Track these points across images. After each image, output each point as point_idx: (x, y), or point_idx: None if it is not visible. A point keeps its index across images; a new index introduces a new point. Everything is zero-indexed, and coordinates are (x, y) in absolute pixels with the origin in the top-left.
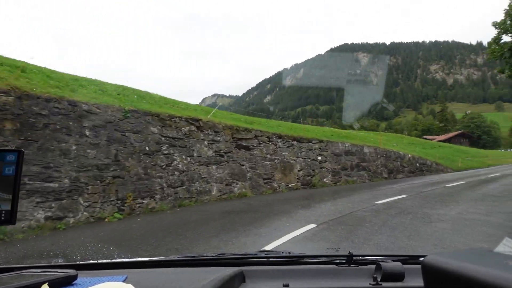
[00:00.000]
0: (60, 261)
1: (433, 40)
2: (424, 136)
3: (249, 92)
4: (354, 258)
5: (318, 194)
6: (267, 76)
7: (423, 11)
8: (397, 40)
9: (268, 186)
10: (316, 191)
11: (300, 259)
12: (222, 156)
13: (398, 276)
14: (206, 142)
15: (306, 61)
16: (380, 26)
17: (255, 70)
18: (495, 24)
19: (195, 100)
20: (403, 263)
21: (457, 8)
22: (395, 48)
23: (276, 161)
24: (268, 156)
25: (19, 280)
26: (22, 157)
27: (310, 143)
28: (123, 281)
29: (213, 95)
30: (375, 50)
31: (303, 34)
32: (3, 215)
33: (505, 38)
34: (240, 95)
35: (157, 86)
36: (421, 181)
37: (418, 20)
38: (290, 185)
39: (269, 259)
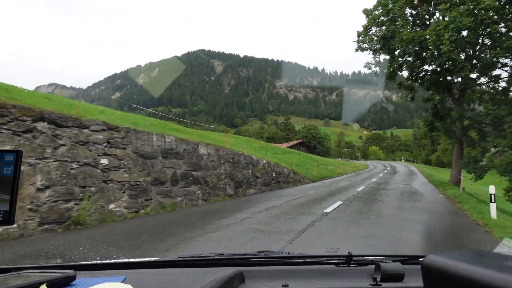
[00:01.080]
0: (59, 262)
1: (280, 59)
2: (269, 143)
3: (95, 85)
4: (354, 258)
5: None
6: (118, 71)
7: (273, 33)
8: (249, 54)
9: None
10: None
11: (299, 260)
12: None
13: (397, 277)
14: None
15: (162, 60)
16: (236, 39)
17: (105, 63)
18: (366, 12)
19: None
20: (402, 264)
21: (301, 34)
22: (247, 61)
23: None
24: None
25: (17, 281)
26: (20, 158)
27: (86, 130)
28: (122, 282)
29: (50, 84)
30: (230, 60)
31: (162, 32)
32: (1, 215)
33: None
34: (84, 87)
35: None
36: (282, 200)
37: (268, 39)
38: None
39: (268, 259)
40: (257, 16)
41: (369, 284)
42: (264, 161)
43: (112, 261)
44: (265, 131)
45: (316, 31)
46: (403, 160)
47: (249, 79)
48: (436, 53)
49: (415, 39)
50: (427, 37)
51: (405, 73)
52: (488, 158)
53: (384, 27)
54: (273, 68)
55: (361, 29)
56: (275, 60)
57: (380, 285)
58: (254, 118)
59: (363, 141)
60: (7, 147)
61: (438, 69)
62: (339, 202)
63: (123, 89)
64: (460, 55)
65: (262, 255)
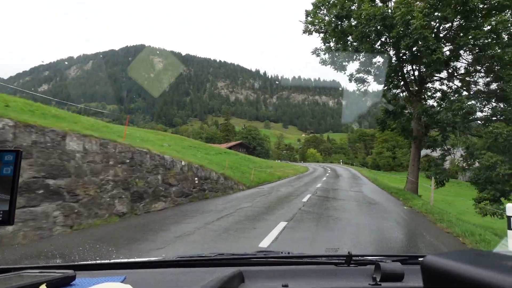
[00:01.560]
0: (59, 262)
1: (222, 60)
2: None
3: (19, 76)
4: (354, 258)
5: None
6: (47, 62)
7: (215, 33)
8: (192, 53)
9: None
10: None
11: (299, 259)
12: None
13: (397, 276)
14: None
15: (98, 53)
16: (178, 36)
17: (31, 52)
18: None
19: None
20: (402, 263)
21: (244, 36)
22: (189, 60)
23: None
24: None
25: (17, 281)
26: (20, 157)
27: None
28: (122, 282)
29: None
30: (171, 57)
31: (99, 24)
32: (0, 215)
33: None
34: (6, 78)
35: None
36: (200, 222)
37: (210, 38)
38: None
39: (268, 259)
40: (199, 15)
41: (369, 284)
42: (183, 163)
43: (112, 261)
44: (205, 131)
45: (258, 34)
46: (341, 163)
47: (190, 78)
48: (402, 31)
49: (377, 15)
50: (393, 11)
51: (356, 65)
52: (454, 161)
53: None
54: (215, 68)
55: (308, 14)
56: (218, 60)
57: (380, 285)
58: (195, 118)
59: (301, 143)
60: None
61: (398, 57)
62: (282, 224)
63: (51, 81)
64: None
65: (261, 255)
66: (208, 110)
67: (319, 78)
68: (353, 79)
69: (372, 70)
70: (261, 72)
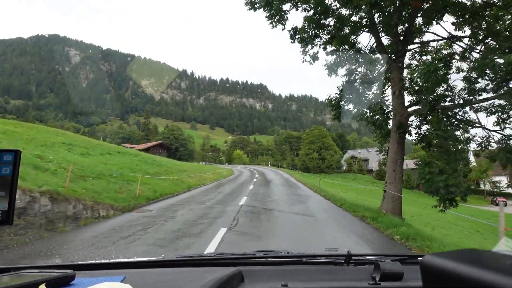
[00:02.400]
0: (58, 261)
1: (147, 58)
2: (123, 144)
3: None
4: (353, 257)
5: None
6: None
7: (139, 28)
8: (114, 48)
9: None
10: None
11: (298, 259)
12: None
13: (396, 276)
14: None
15: (2, 40)
16: (97, 28)
17: None
18: None
19: None
20: (401, 263)
21: (172, 36)
22: (111, 55)
23: None
24: None
25: (16, 281)
26: (19, 157)
27: None
28: (121, 281)
29: None
30: (89, 51)
31: (7, 7)
32: (0, 215)
33: None
34: None
35: None
36: None
37: (134, 33)
38: None
39: (267, 259)
40: (122, 4)
41: (368, 284)
42: None
43: (111, 260)
44: (124, 131)
45: (185, 33)
46: (270, 165)
47: (111, 74)
48: None
49: None
50: None
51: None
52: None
53: None
54: (140, 65)
55: None
56: (143, 57)
57: (379, 284)
58: (115, 118)
59: (228, 145)
60: None
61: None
62: None
63: None
64: None
65: (261, 254)
66: (130, 109)
67: (246, 81)
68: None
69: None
70: (189, 72)
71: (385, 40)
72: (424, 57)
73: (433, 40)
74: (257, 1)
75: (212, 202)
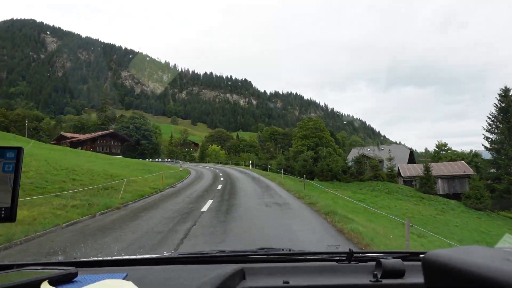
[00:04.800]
0: (60, 259)
1: (128, 48)
2: (64, 133)
3: None
4: (355, 255)
5: None
6: None
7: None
8: (93, 36)
9: None
10: None
11: (300, 256)
12: None
13: (398, 273)
14: None
15: None
16: (76, 16)
17: None
18: None
19: None
20: (403, 260)
21: (155, 27)
22: (90, 43)
23: None
24: None
25: (19, 278)
26: (21, 154)
27: None
28: (123, 279)
29: None
30: (67, 38)
31: None
32: (2, 212)
33: None
34: None
35: None
36: None
37: (115, 21)
38: None
39: (269, 256)
40: None
41: (370, 281)
42: None
43: (114, 258)
44: (77, 120)
45: (167, 23)
46: (252, 166)
47: (89, 64)
48: None
49: None
50: None
51: None
52: None
53: None
54: (120, 56)
55: None
56: (123, 47)
57: (381, 281)
58: (91, 109)
59: (204, 140)
60: None
61: None
62: None
63: None
64: None
65: (263, 252)
66: (107, 102)
67: (231, 76)
68: None
69: None
70: (171, 64)
71: None
72: None
73: None
74: None
75: None
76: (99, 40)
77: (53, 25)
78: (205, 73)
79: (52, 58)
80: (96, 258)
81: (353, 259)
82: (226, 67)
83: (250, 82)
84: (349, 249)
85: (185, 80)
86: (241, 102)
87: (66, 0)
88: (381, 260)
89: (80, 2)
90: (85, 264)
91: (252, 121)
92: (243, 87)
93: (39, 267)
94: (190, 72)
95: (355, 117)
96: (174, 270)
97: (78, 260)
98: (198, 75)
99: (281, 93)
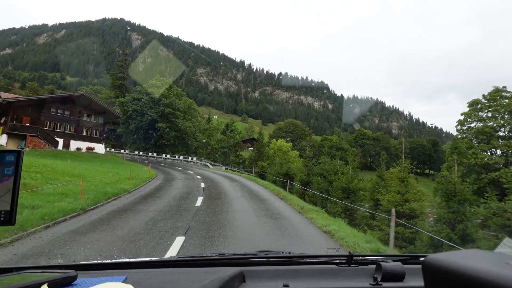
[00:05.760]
0: (60, 262)
1: (206, 46)
2: None
3: None
4: (354, 258)
5: None
6: (18, 26)
7: (202, 16)
8: (174, 35)
9: None
10: None
11: (300, 259)
12: None
13: (398, 276)
14: None
15: (73, 23)
16: (160, 17)
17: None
18: None
19: None
20: (403, 263)
21: (232, 27)
22: (171, 41)
23: None
24: None
25: (18, 281)
26: (21, 158)
27: None
28: (123, 282)
29: None
30: (151, 36)
31: None
32: (2, 215)
33: None
34: None
35: None
36: None
37: (194, 21)
38: None
39: (269, 259)
40: None
41: (370, 284)
42: None
43: (113, 261)
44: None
45: (243, 24)
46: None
47: (168, 60)
48: None
49: None
50: None
51: None
52: None
53: None
54: (197, 53)
55: None
56: (201, 45)
57: (381, 284)
58: None
59: (271, 135)
60: None
61: None
62: None
63: (17, 46)
64: None
65: (262, 255)
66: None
67: (306, 78)
68: None
69: None
70: (246, 63)
71: None
72: None
73: None
74: None
75: None
76: (179, 38)
77: (139, 24)
78: (280, 73)
79: (135, 54)
80: (96, 261)
81: (353, 262)
82: (302, 68)
83: (326, 84)
84: (349, 252)
85: (259, 79)
86: (316, 105)
87: (153, 1)
88: (381, 263)
89: (164, 2)
90: (85, 267)
91: (326, 126)
92: (319, 89)
93: (38, 270)
94: (265, 72)
95: (443, 129)
96: (173, 273)
97: (77, 263)
98: (272, 75)
99: (359, 98)
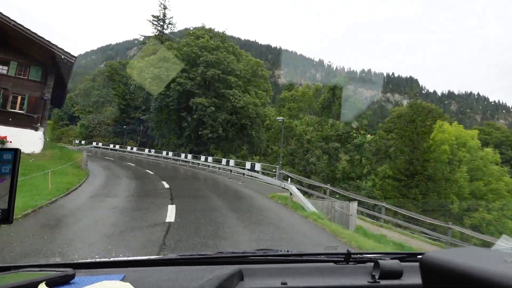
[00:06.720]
0: (58, 260)
1: (283, 48)
2: None
3: (87, 54)
4: (352, 256)
5: None
6: (114, 42)
7: (278, 19)
8: (252, 39)
9: None
10: None
11: (298, 257)
12: None
13: (396, 274)
14: None
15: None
16: (238, 22)
17: (100, 31)
18: None
19: None
20: (401, 261)
21: (309, 27)
22: (248, 45)
23: None
24: None
25: (16, 279)
26: (18, 156)
27: None
28: (121, 280)
29: None
30: (228, 42)
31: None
32: (0, 214)
33: None
34: (75, 55)
35: None
36: None
37: (272, 25)
38: None
39: (267, 257)
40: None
41: (368, 282)
42: None
43: (111, 259)
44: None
45: (320, 22)
46: None
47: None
48: None
49: None
50: None
51: None
52: None
53: None
54: (275, 55)
55: None
56: (278, 47)
57: (379, 282)
58: None
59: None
60: None
61: None
62: None
63: (112, 61)
64: None
65: (261, 253)
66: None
67: (392, 74)
68: None
69: None
70: (325, 63)
71: None
72: None
73: None
74: None
75: None
76: (256, 41)
77: (217, 31)
78: (362, 69)
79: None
80: (94, 260)
81: (351, 260)
82: (387, 64)
83: (416, 80)
84: (347, 250)
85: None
86: (404, 103)
87: (229, 7)
88: (379, 261)
89: (240, 8)
90: (83, 266)
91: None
92: (407, 85)
93: (36, 269)
94: (345, 69)
95: None
96: (172, 271)
97: (75, 261)
98: (354, 72)
99: (456, 93)
